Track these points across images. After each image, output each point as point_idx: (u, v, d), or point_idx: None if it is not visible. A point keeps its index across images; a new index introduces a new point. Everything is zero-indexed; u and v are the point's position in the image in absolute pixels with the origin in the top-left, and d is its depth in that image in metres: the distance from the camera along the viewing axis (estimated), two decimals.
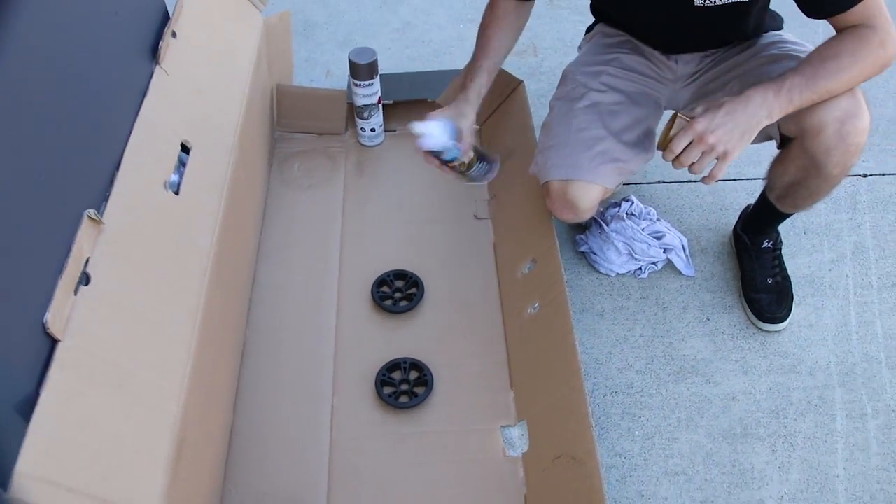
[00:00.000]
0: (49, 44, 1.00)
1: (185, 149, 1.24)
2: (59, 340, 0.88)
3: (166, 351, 1.02)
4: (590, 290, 1.56)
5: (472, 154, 1.29)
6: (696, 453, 1.32)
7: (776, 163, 1.36)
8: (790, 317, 1.49)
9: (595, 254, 1.58)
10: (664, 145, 1.19)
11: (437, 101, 1.77)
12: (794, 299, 1.52)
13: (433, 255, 1.57)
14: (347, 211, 1.66)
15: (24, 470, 0.77)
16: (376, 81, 1.70)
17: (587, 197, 1.37)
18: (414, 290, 1.50)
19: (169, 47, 1.30)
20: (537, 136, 1.55)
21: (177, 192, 1.18)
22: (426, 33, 2.20)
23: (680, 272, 1.57)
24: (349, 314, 1.47)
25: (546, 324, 1.35)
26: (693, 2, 1.23)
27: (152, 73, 1.25)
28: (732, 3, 1.24)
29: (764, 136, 1.31)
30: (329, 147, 1.80)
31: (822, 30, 1.18)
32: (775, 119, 1.16)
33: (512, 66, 1.95)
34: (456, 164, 1.28)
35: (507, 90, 1.77)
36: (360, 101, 1.72)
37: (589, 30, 1.57)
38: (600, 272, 1.58)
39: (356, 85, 1.69)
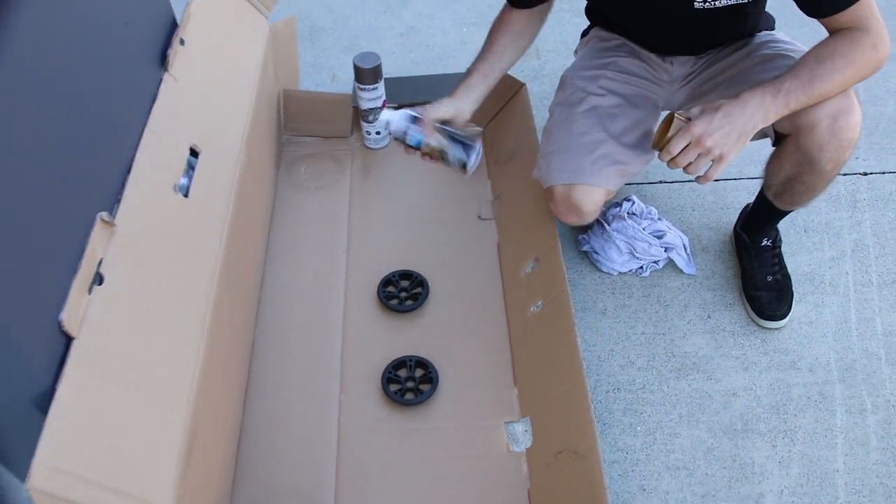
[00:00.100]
0: (62, 53, 1.03)
1: (193, 153, 1.27)
2: (74, 338, 0.91)
3: (177, 349, 1.05)
4: (592, 289, 1.58)
5: (441, 139, 1.27)
6: (697, 448, 1.34)
7: (772, 160, 1.38)
8: (790, 314, 1.51)
9: (597, 253, 1.60)
10: (659, 145, 1.21)
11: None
12: (795, 297, 1.54)
13: (438, 255, 1.60)
14: (353, 212, 1.69)
15: (41, 461, 0.80)
16: (381, 85, 1.73)
17: (591, 200, 1.39)
18: (419, 289, 1.52)
19: (177, 54, 1.33)
20: (539, 137, 1.58)
21: (186, 196, 1.21)
22: (430, 37, 2.23)
23: (681, 271, 1.59)
24: (356, 314, 1.50)
25: (548, 322, 1.38)
26: (693, 4, 1.26)
27: (161, 80, 1.28)
28: (733, 4, 1.26)
29: (759, 133, 1.33)
30: (335, 150, 1.83)
31: (812, 29, 1.20)
32: (771, 122, 1.18)
33: (514, 68, 1.97)
34: (427, 149, 1.28)
35: (509, 93, 1.80)
36: (365, 105, 1.75)
37: (584, 34, 1.59)
38: (602, 271, 1.60)
39: (361, 89, 1.72)
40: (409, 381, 1.39)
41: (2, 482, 1.16)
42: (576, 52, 1.62)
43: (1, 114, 0.87)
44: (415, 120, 1.26)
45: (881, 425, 1.36)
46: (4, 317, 0.82)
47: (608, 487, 1.23)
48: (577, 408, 1.22)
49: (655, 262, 1.59)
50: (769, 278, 1.53)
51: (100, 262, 0.98)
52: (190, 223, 1.19)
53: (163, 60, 1.31)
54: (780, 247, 1.58)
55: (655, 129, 1.30)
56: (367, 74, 1.69)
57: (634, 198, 1.64)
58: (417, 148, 1.28)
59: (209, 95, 1.39)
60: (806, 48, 1.31)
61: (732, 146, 1.17)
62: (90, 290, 0.95)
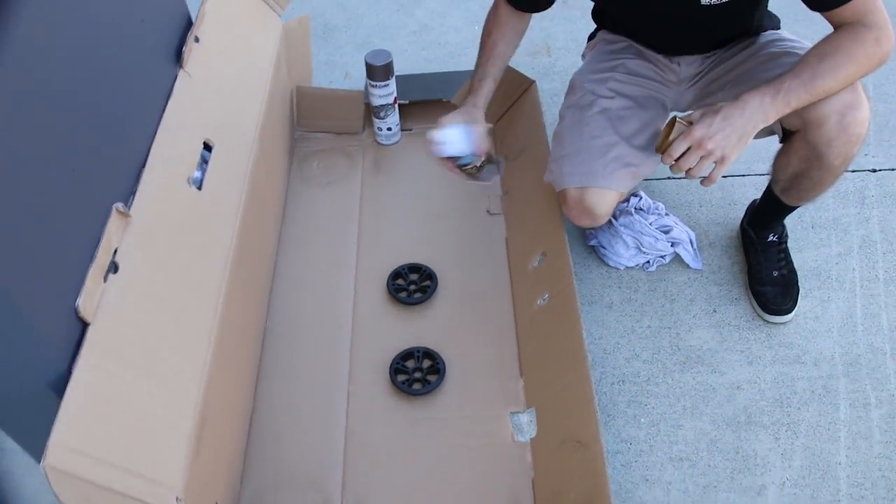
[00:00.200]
0: (81, 50, 1.06)
1: (207, 147, 1.31)
2: (90, 324, 0.94)
3: (188, 336, 1.09)
4: (599, 283, 1.60)
5: (483, 157, 1.34)
6: (700, 440, 1.36)
7: (779, 156, 1.39)
8: (796, 309, 1.52)
9: (604, 247, 1.62)
10: (662, 148, 1.24)
11: (451, 101, 1.82)
12: (801, 292, 1.55)
13: (447, 249, 1.63)
14: (364, 207, 1.72)
15: (57, 441, 0.84)
16: (392, 82, 1.75)
17: (604, 203, 1.41)
18: (428, 282, 1.55)
19: (192, 51, 1.36)
20: (549, 134, 1.60)
21: (199, 188, 1.24)
22: (442, 35, 2.26)
23: (687, 265, 1.61)
24: (365, 305, 1.53)
25: (555, 314, 1.40)
26: (699, 0, 1.27)
27: (176, 76, 1.32)
28: None
29: (766, 131, 1.34)
30: (347, 146, 1.86)
31: (818, 29, 1.21)
32: (772, 121, 1.19)
33: (525, 66, 2.01)
34: (469, 167, 1.34)
35: (519, 90, 1.82)
36: (376, 102, 1.78)
37: (591, 37, 1.61)
38: (609, 265, 1.62)
39: (372, 86, 1.75)
40: (417, 372, 1.42)
41: (3, 485, 1.21)
42: (583, 55, 1.64)
43: (23, 109, 0.90)
44: (471, 139, 1.33)
45: (885, 419, 1.37)
46: (23, 302, 0.86)
47: (611, 477, 1.26)
48: (582, 398, 1.24)
49: (662, 256, 1.60)
50: (775, 273, 1.54)
51: (115, 252, 1.02)
52: (203, 215, 1.23)
53: (178, 57, 1.34)
54: (786, 242, 1.59)
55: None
56: (378, 71, 1.72)
57: (642, 193, 1.65)
58: (464, 166, 1.35)
59: (223, 91, 1.43)
60: (804, 42, 1.33)
61: (733, 148, 1.18)
62: (105, 278, 0.99)
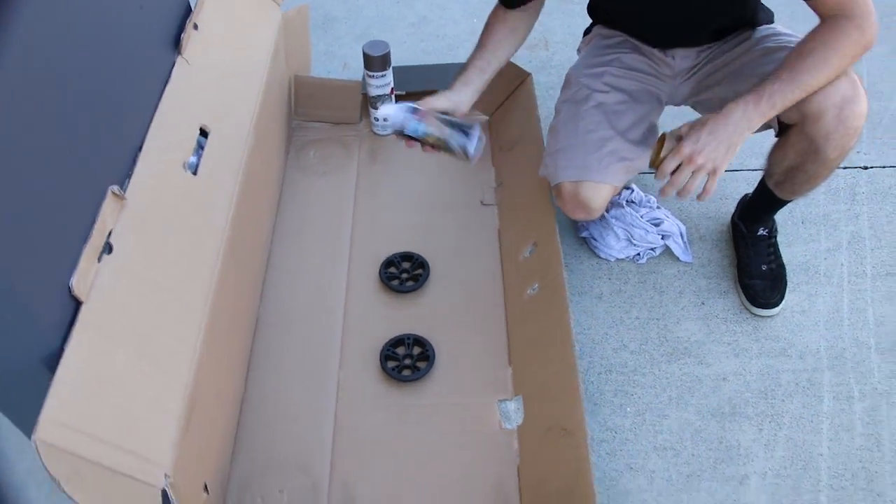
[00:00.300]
0: (80, 35, 1.08)
1: (203, 133, 1.32)
2: (83, 303, 0.96)
3: (180, 317, 1.11)
4: (589, 274, 1.62)
5: (442, 127, 1.29)
6: (684, 430, 1.38)
7: (775, 149, 1.40)
8: (783, 302, 1.54)
9: (595, 239, 1.63)
10: (655, 165, 1.26)
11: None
12: (788, 286, 1.56)
13: (440, 238, 1.64)
14: (360, 196, 1.73)
15: (48, 416, 0.86)
16: (389, 73, 1.77)
17: (598, 196, 1.43)
18: (420, 271, 1.57)
19: (190, 39, 1.38)
20: (545, 127, 1.62)
21: (195, 173, 1.26)
22: (441, 28, 2.27)
23: (678, 258, 1.63)
24: (357, 293, 1.55)
25: (544, 304, 1.42)
26: None
27: (174, 63, 1.34)
28: None
29: (763, 125, 1.36)
30: (344, 136, 1.88)
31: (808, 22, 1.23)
32: (757, 127, 1.22)
33: (523, 59, 2.02)
34: (430, 139, 1.31)
35: (515, 82, 1.83)
36: (373, 92, 1.80)
37: (586, 32, 1.63)
38: (600, 257, 1.64)
39: (370, 76, 1.77)
40: (407, 359, 1.44)
41: (2, 484, 1.23)
42: (578, 50, 1.65)
43: (22, 92, 0.92)
44: (414, 111, 1.28)
45: (867, 412, 1.39)
46: (17, 279, 0.88)
47: (596, 465, 1.28)
48: (568, 386, 1.26)
49: (652, 249, 1.62)
50: (764, 267, 1.55)
51: (109, 233, 1.04)
52: (197, 199, 1.25)
53: (176, 44, 1.36)
54: (776, 237, 1.60)
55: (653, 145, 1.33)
56: (375, 62, 1.74)
57: (634, 186, 1.67)
58: (418, 139, 1.31)
59: (220, 79, 1.45)
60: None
61: (723, 158, 1.21)
62: (100, 259, 1.01)
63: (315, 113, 1.90)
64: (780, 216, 1.62)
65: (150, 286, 1.07)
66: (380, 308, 1.52)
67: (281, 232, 1.66)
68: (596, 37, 1.57)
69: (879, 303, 1.55)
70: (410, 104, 1.29)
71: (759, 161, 1.51)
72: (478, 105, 1.43)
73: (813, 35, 1.20)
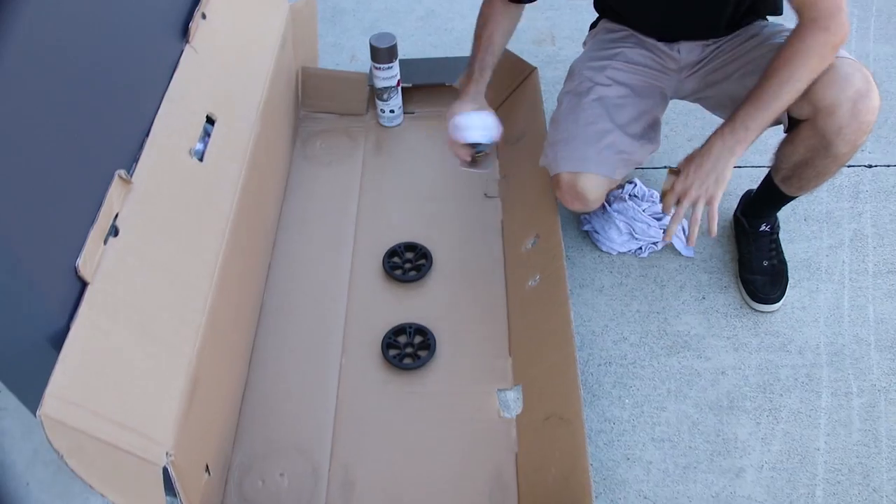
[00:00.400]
0: (91, 23, 1.10)
1: (210, 120, 1.34)
2: (89, 283, 0.98)
3: (184, 300, 1.13)
4: (591, 267, 1.63)
5: (495, 146, 1.37)
6: (682, 422, 1.39)
7: (785, 144, 1.40)
8: (784, 298, 1.54)
9: (597, 232, 1.65)
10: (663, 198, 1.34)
11: (454, 86, 1.85)
12: (790, 282, 1.57)
13: (444, 229, 1.66)
14: (365, 187, 1.75)
15: (53, 392, 0.88)
16: (395, 65, 1.78)
17: (595, 188, 1.44)
18: (423, 261, 1.58)
19: (198, 28, 1.39)
20: (549, 121, 1.63)
21: (201, 160, 1.28)
22: (449, 21, 2.28)
23: (679, 253, 1.63)
24: (361, 282, 1.56)
25: (545, 295, 1.43)
26: None
27: (182, 51, 1.35)
28: None
29: (773, 121, 1.36)
30: (350, 127, 1.89)
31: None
32: (741, 153, 1.27)
33: (530, 54, 2.03)
34: (481, 154, 1.37)
35: (520, 76, 1.84)
36: (380, 84, 1.81)
37: (593, 26, 1.64)
38: (602, 250, 1.65)
39: (376, 68, 1.78)
40: (408, 347, 1.45)
41: (3, 443, 1.25)
42: (584, 43, 1.66)
43: (34, 78, 0.94)
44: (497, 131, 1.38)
45: (865, 408, 1.40)
46: (26, 259, 0.89)
47: (593, 454, 1.30)
48: (567, 376, 1.27)
49: (654, 243, 1.63)
50: (765, 263, 1.56)
51: (116, 216, 1.06)
52: (203, 185, 1.26)
53: (184, 33, 1.38)
54: (778, 233, 1.61)
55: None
56: (382, 54, 1.75)
57: (637, 180, 1.68)
58: (477, 153, 1.38)
59: (227, 67, 1.46)
60: None
61: (714, 189, 1.28)
62: (106, 241, 1.03)
63: (322, 104, 1.91)
64: (783, 213, 1.63)
65: (154, 268, 1.09)
66: (382, 297, 1.54)
67: (287, 220, 1.67)
68: (601, 30, 1.58)
69: (880, 300, 1.55)
70: (496, 122, 1.39)
71: (763, 157, 1.52)
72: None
73: (779, 52, 1.23)
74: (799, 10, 1.21)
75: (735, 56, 1.44)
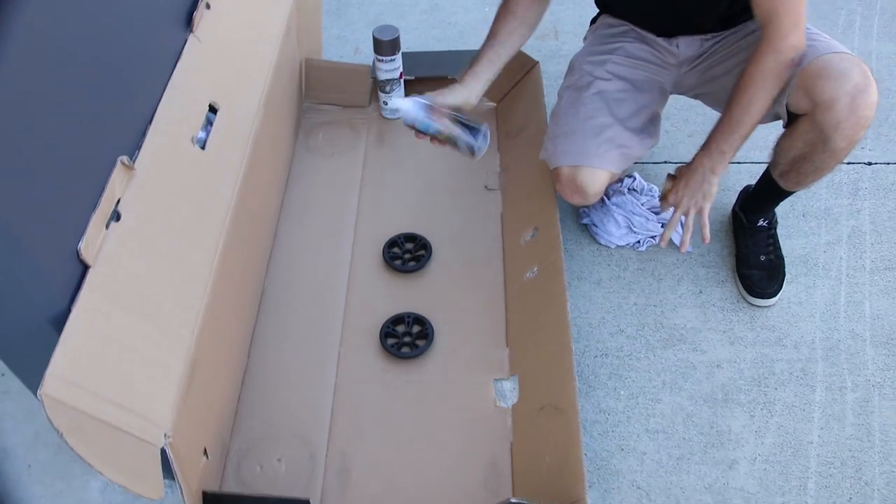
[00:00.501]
0: (95, 11, 1.11)
1: (212, 109, 1.35)
2: (90, 267, 0.99)
3: (184, 285, 1.14)
4: (589, 260, 1.64)
5: (452, 126, 1.33)
6: (676, 414, 1.40)
7: (783, 138, 1.41)
8: (780, 293, 1.55)
9: (596, 226, 1.66)
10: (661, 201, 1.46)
11: (456, 79, 1.86)
12: (787, 277, 1.58)
13: (444, 221, 1.67)
14: (366, 178, 1.76)
15: (53, 372, 0.89)
16: (398, 57, 1.80)
17: (595, 182, 1.45)
18: (422, 252, 1.60)
19: (203, 17, 1.41)
20: (549, 115, 1.64)
21: (203, 148, 1.29)
22: (453, 15, 2.29)
23: (677, 247, 1.64)
24: (360, 271, 1.58)
25: (542, 287, 1.44)
26: None
27: (186, 41, 1.37)
28: None
29: (772, 115, 1.37)
30: (353, 119, 1.91)
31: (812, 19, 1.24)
32: (721, 171, 1.36)
33: (532, 48, 2.03)
34: (439, 137, 1.34)
35: (522, 70, 1.85)
36: (382, 76, 1.82)
37: (593, 21, 1.65)
38: (600, 243, 1.66)
39: (379, 60, 1.79)
40: (406, 336, 1.46)
41: (5, 426, 1.27)
42: (585, 38, 1.67)
43: (38, 64, 0.95)
44: (426, 109, 1.32)
45: (859, 403, 1.41)
46: (29, 243, 0.91)
47: (587, 444, 1.31)
48: (563, 367, 1.29)
49: (652, 237, 1.64)
50: (762, 258, 1.57)
51: (118, 202, 1.07)
52: (205, 173, 1.28)
53: (189, 23, 1.39)
54: (775, 228, 1.62)
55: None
56: (385, 46, 1.76)
57: (636, 174, 1.69)
58: (430, 135, 1.35)
59: (231, 57, 1.48)
60: (816, 31, 1.35)
61: (703, 201, 1.39)
62: (107, 226, 1.04)
63: (325, 95, 1.92)
64: (781, 209, 1.64)
65: (155, 253, 1.11)
66: (382, 286, 1.55)
67: (288, 209, 1.69)
68: (601, 25, 1.59)
69: (877, 297, 1.56)
70: (424, 101, 1.32)
71: (761, 153, 1.52)
72: (485, 92, 1.44)
73: (740, 77, 1.31)
74: (762, 26, 1.27)
75: (734, 51, 1.45)
